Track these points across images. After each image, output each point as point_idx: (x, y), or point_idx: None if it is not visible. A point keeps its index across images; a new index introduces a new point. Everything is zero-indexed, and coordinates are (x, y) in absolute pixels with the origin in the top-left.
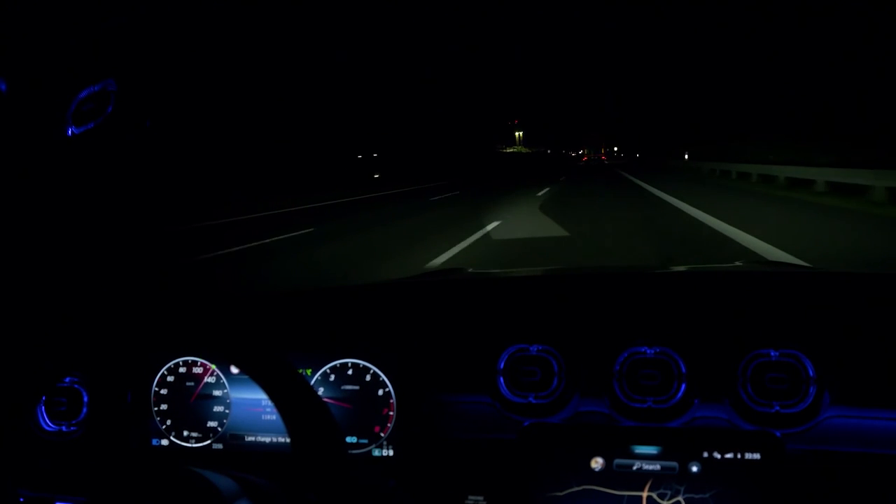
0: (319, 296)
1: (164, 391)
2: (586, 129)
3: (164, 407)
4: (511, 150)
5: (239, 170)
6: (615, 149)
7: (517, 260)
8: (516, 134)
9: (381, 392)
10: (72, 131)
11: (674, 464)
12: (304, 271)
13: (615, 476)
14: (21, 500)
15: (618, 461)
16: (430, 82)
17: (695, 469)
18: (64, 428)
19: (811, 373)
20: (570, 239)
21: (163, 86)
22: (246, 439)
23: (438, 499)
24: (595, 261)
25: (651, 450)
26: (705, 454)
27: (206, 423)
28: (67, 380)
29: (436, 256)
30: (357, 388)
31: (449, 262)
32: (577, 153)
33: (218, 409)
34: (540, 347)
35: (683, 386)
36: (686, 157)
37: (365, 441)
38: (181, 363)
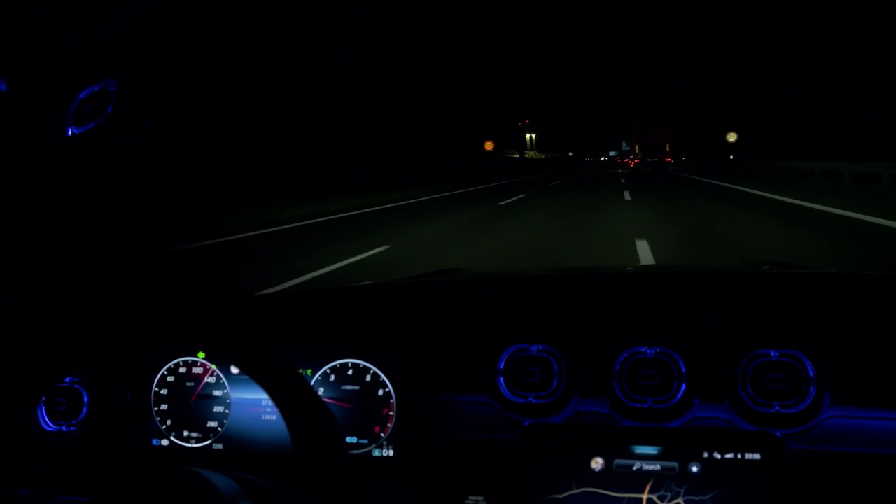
0: (319, 296)
1: (164, 391)
2: (619, 129)
3: (164, 407)
4: (519, 154)
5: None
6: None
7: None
8: (527, 136)
9: (381, 392)
10: (72, 131)
11: (674, 464)
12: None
13: (615, 476)
14: (21, 500)
15: (618, 461)
16: (425, 82)
17: (695, 469)
18: (64, 428)
19: (811, 373)
20: None
21: (163, 86)
22: (246, 439)
23: (438, 499)
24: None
25: (651, 450)
26: (705, 454)
27: (206, 423)
28: (67, 380)
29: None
30: (357, 388)
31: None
32: (602, 158)
33: (218, 409)
34: (540, 347)
35: (683, 386)
36: (731, 157)
37: (365, 441)
38: (181, 363)
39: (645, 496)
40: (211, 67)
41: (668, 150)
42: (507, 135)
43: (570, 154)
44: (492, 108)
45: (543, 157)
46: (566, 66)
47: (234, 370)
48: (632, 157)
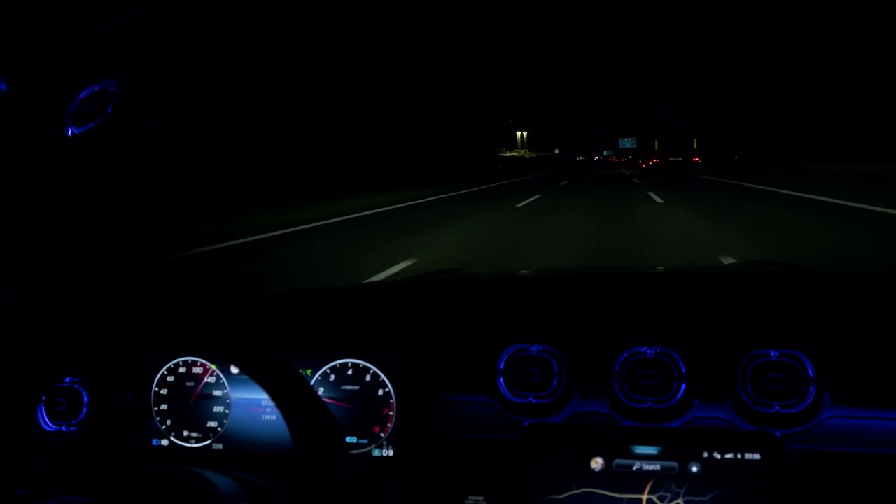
0: (319, 296)
1: (164, 391)
2: (615, 127)
3: (164, 407)
4: (511, 153)
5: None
6: None
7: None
8: (518, 134)
9: (381, 392)
10: (72, 131)
11: (674, 464)
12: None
13: (615, 476)
14: (20, 499)
15: (618, 461)
16: (421, 82)
17: (695, 469)
18: (64, 428)
19: (811, 373)
20: None
21: (163, 86)
22: (246, 439)
23: (438, 499)
24: None
25: (651, 450)
26: (705, 454)
27: (206, 423)
28: (67, 380)
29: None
30: (357, 388)
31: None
32: (596, 158)
33: (218, 409)
34: (540, 347)
35: (683, 386)
36: None
37: (365, 441)
38: (181, 363)
39: (645, 496)
40: (211, 67)
41: (695, 146)
42: (499, 133)
43: (557, 151)
44: (487, 106)
45: (535, 155)
46: (560, 62)
47: (234, 370)
48: (638, 157)
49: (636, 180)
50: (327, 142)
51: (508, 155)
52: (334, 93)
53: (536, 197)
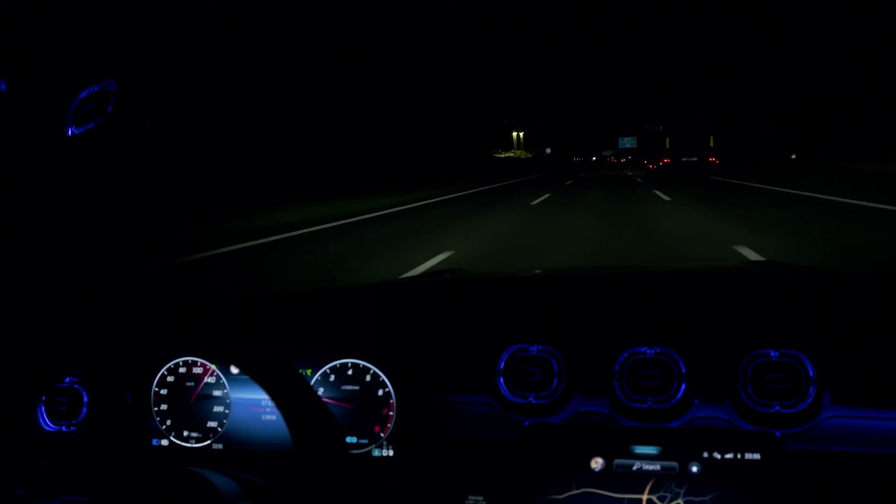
0: (319, 296)
1: (164, 391)
2: (614, 127)
3: (164, 407)
4: (506, 154)
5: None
6: None
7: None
8: (514, 135)
9: (381, 392)
10: (72, 131)
11: (674, 464)
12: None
13: (615, 476)
14: (20, 499)
15: (618, 461)
16: (420, 82)
17: (694, 469)
18: (64, 428)
19: (811, 373)
20: None
21: (163, 86)
22: (246, 439)
23: (438, 499)
24: None
25: (651, 450)
26: (705, 454)
27: (206, 423)
28: (67, 380)
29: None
30: (357, 388)
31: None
32: (594, 158)
33: (218, 409)
34: (540, 348)
35: (683, 386)
36: None
37: (365, 441)
38: (181, 363)
39: (645, 497)
40: (211, 67)
41: (711, 145)
42: (495, 134)
43: (548, 151)
44: (483, 106)
45: (531, 156)
46: (560, 62)
47: (234, 370)
48: (642, 156)
49: (666, 196)
50: (326, 142)
51: (504, 156)
52: (334, 93)
53: (469, 241)
